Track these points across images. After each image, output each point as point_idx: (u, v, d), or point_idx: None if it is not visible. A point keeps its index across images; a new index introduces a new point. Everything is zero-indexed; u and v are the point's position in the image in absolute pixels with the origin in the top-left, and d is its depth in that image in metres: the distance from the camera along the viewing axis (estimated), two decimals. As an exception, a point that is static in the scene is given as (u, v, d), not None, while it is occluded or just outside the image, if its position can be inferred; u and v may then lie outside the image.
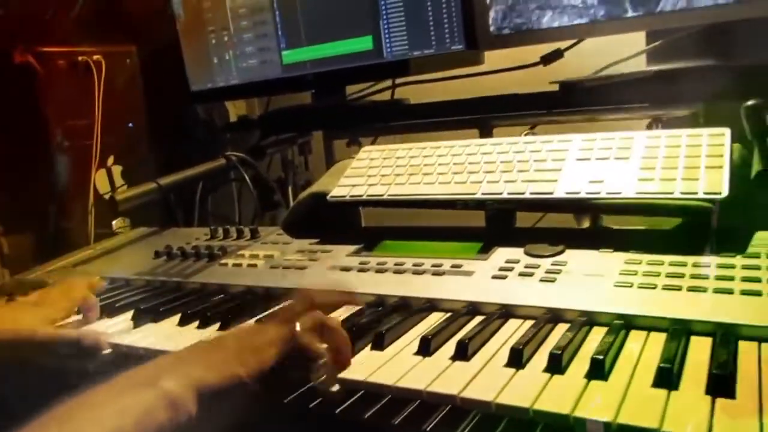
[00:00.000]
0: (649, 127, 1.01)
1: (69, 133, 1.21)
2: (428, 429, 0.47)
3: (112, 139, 1.26)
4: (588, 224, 0.82)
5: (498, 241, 0.75)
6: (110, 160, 1.27)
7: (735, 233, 0.65)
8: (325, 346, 0.55)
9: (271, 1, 1.23)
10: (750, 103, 0.55)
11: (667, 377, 0.44)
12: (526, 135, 1.05)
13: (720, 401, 0.41)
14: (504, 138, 0.86)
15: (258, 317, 0.67)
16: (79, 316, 0.78)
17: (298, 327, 0.55)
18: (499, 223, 0.82)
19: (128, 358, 0.67)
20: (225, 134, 1.43)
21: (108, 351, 0.70)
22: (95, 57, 1.22)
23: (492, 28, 1.00)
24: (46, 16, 1.24)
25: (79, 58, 1.21)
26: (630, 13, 0.90)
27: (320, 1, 1.17)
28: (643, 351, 0.50)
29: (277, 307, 0.63)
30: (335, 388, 0.52)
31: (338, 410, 0.50)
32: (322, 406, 0.52)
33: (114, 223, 1.23)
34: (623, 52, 1.00)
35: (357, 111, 1.24)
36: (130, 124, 1.32)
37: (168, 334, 0.68)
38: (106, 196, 1.11)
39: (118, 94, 1.27)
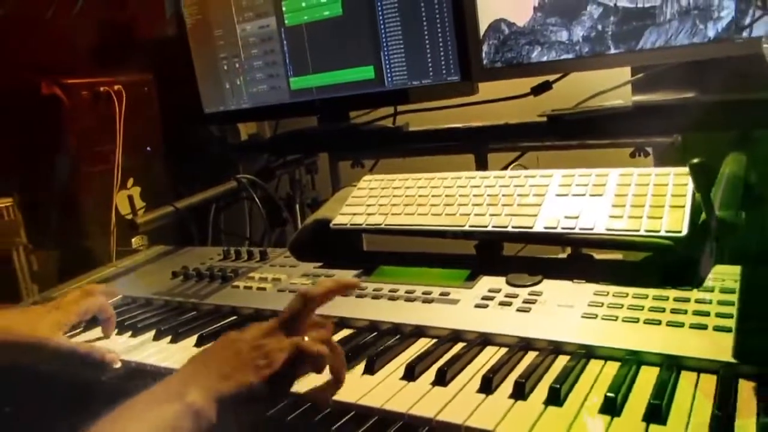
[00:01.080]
0: (633, 155, 1.08)
1: (92, 159, 1.30)
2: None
3: (131, 163, 1.35)
4: (569, 251, 0.89)
5: (484, 269, 0.82)
6: (130, 182, 1.36)
7: (696, 267, 0.71)
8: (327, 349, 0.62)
9: (279, 31, 1.30)
10: (695, 161, 0.62)
11: (611, 405, 0.51)
12: (514, 165, 1.13)
13: (653, 427, 0.49)
14: (491, 171, 0.93)
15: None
16: (98, 328, 0.86)
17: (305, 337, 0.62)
18: (486, 251, 0.89)
19: (149, 375, 0.75)
20: (236, 153, 1.51)
21: (117, 366, 0.77)
22: (116, 87, 1.32)
23: (485, 62, 1.07)
24: (69, 47, 1.33)
25: (101, 89, 1.31)
26: (612, 50, 0.96)
27: (325, 32, 1.25)
28: (598, 379, 0.57)
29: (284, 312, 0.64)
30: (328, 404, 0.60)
31: (333, 428, 0.58)
32: (317, 425, 0.59)
33: (133, 240, 1.32)
34: (609, 82, 1.06)
35: (360, 135, 1.32)
36: (149, 148, 1.41)
37: (186, 356, 0.76)
38: (128, 218, 1.19)
39: (137, 120, 1.36)
